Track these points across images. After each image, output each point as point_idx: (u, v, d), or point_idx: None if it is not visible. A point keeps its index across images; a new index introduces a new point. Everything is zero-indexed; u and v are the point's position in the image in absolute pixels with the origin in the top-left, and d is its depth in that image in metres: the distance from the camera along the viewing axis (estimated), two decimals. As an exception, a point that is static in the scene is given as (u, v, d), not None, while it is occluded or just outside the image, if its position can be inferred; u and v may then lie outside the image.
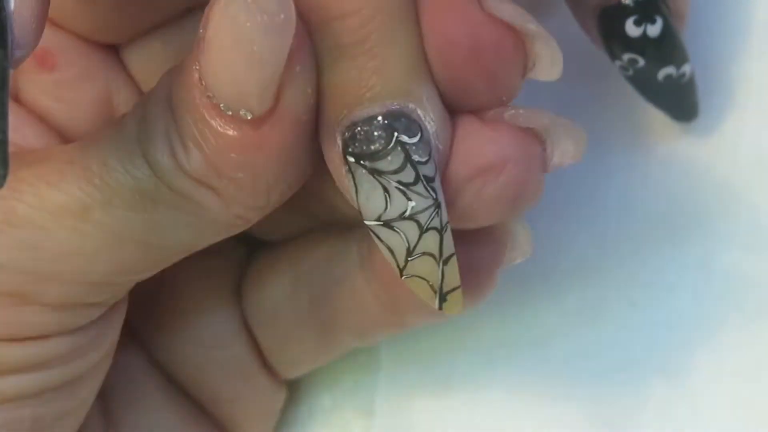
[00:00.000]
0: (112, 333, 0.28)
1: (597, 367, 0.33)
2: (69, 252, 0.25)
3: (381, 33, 0.23)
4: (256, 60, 0.22)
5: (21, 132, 0.29)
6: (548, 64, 0.25)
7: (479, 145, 0.24)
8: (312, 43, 0.23)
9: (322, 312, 0.30)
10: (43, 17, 0.22)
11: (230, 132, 0.23)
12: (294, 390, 0.34)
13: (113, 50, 0.30)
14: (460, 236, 0.25)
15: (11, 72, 0.21)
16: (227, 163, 0.24)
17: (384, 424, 0.34)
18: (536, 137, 0.25)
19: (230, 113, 0.23)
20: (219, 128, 0.23)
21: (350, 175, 0.23)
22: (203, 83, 0.23)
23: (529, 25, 0.24)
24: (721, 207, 0.33)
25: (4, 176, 0.20)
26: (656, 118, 0.33)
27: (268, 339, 0.31)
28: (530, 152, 0.25)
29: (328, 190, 0.28)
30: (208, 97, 0.23)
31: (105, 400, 0.31)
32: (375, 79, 0.23)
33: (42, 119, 0.29)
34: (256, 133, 0.23)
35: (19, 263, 0.25)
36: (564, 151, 0.25)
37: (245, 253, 0.32)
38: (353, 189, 0.23)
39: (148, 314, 0.31)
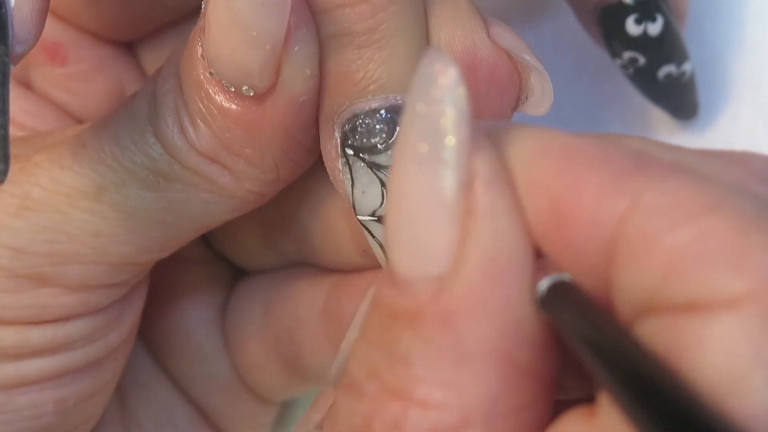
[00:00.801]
0: (133, 314, 0.28)
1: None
2: (86, 233, 0.25)
3: (392, 24, 0.23)
4: (253, 39, 0.22)
5: (40, 116, 0.29)
6: (538, 98, 0.25)
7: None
8: (315, 26, 0.23)
9: (286, 349, 0.30)
10: (43, 13, 0.21)
11: (234, 107, 0.23)
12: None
13: (125, 45, 0.30)
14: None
15: (12, 68, 0.21)
16: (234, 139, 0.23)
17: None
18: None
19: (233, 90, 0.23)
20: (223, 104, 0.23)
21: (347, 168, 0.23)
22: (206, 60, 0.23)
23: (526, 56, 0.24)
24: None
25: (5, 172, 0.21)
26: (656, 116, 0.33)
27: (240, 364, 0.31)
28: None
29: (300, 229, 0.28)
30: (211, 74, 0.23)
31: (121, 396, 0.31)
32: (380, 71, 0.23)
33: (59, 110, 0.29)
34: (258, 109, 0.23)
35: (38, 246, 0.25)
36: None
37: (235, 271, 0.32)
38: (349, 183, 0.23)
39: (149, 316, 0.31)
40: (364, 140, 0.23)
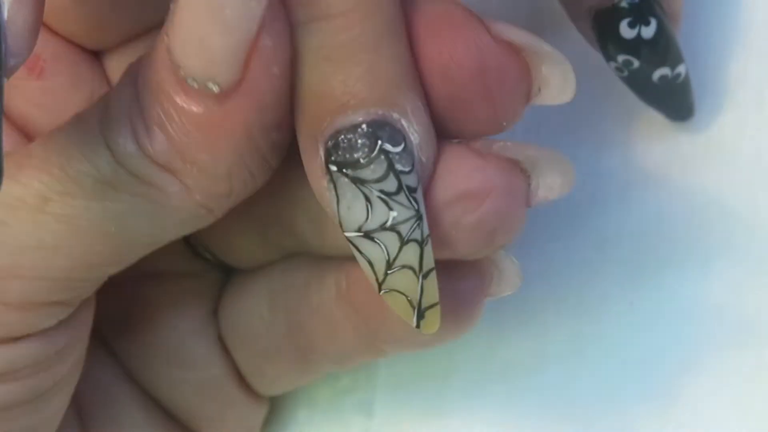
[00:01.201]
0: (79, 344, 0.27)
1: (596, 367, 0.33)
2: (28, 246, 0.24)
3: (367, 39, 0.23)
4: (226, 24, 0.22)
5: None
6: (558, 87, 0.25)
7: (465, 172, 0.24)
8: (289, 26, 0.23)
9: (298, 338, 0.30)
10: (36, 27, 0.22)
11: (194, 108, 0.23)
12: (293, 391, 0.35)
13: (95, 54, 0.30)
14: (444, 268, 0.25)
15: (5, 81, 0.21)
16: (190, 144, 0.23)
17: (383, 425, 0.34)
18: (522, 171, 0.25)
19: (196, 86, 0.23)
20: (183, 105, 0.23)
21: (332, 185, 0.23)
22: (171, 56, 0.23)
23: (541, 45, 0.24)
24: (719, 206, 0.33)
25: None
26: (653, 118, 0.33)
27: (245, 361, 0.31)
28: (515, 185, 0.24)
29: (299, 225, 0.28)
30: (175, 70, 0.23)
31: (83, 417, 0.31)
32: (359, 86, 0.23)
33: (21, 126, 0.29)
34: (219, 110, 0.23)
35: None
36: (550, 185, 0.25)
37: (222, 276, 0.32)
38: (334, 200, 0.23)
39: (124, 334, 0.31)
40: (347, 156, 0.23)
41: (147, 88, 0.23)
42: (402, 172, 0.23)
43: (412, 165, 0.23)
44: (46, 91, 0.29)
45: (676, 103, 0.32)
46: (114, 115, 0.24)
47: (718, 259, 0.33)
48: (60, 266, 0.25)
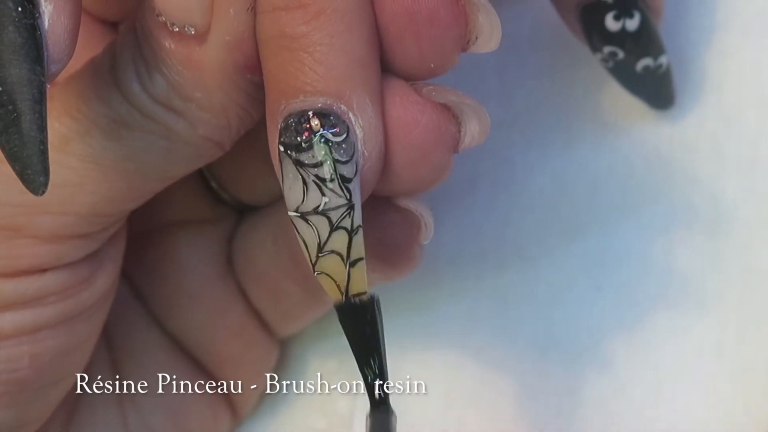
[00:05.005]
0: (106, 277, 0.29)
1: (565, 349, 0.34)
2: (55, 183, 0.25)
3: (323, 32, 0.24)
4: None
5: None
6: (487, 36, 0.25)
7: (406, 104, 0.25)
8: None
9: (301, 266, 0.31)
10: (75, 33, 0.23)
11: (180, 50, 0.25)
12: (281, 372, 0.36)
13: (111, 24, 0.31)
14: (374, 217, 0.26)
15: (47, 86, 0.22)
16: (183, 82, 0.25)
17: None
18: (453, 116, 0.26)
19: (177, 30, 0.24)
20: (171, 47, 0.25)
21: (280, 164, 0.24)
22: (154, 4, 0.24)
23: None
24: (686, 196, 0.35)
25: (46, 183, 0.22)
26: (621, 114, 0.35)
27: (259, 298, 0.33)
28: (446, 127, 0.25)
29: None
30: (158, 15, 0.24)
31: (114, 360, 0.32)
32: (311, 75, 0.24)
33: None
34: (200, 50, 0.25)
35: (8, 197, 0.26)
36: (472, 133, 0.26)
37: (236, 222, 0.34)
38: (281, 178, 0.25)
39: (154, 283, 0.33)
40: (292, 138, 0.24)
41: (143, 32, 0.25)
42: (339, 161, 0.24)
43: (352, 156, 0.24)
44: None
45: (658, 91, 0.33)
46: (120, 59, 0.26)
47: (681, 248, 0.34)
48: (85, 202, 0.26)
